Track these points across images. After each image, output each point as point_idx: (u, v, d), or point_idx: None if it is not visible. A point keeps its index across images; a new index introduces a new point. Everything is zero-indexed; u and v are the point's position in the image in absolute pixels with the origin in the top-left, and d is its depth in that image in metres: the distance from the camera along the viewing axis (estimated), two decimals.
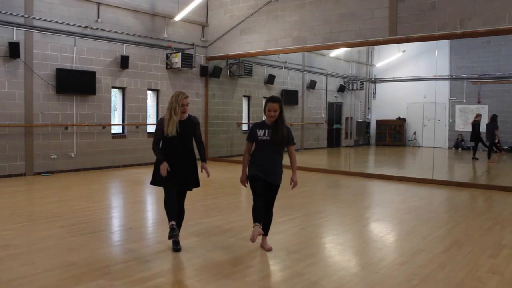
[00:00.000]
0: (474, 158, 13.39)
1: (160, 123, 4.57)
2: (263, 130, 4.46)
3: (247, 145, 4.60)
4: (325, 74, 16.94)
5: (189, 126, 4.58)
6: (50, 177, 9.69)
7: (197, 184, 4.69)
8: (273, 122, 4.44)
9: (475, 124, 13.26)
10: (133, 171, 10.92)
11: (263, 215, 4.42)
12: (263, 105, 4.62)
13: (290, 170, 4.61)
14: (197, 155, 4.73)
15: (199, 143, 4.72)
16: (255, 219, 4.36)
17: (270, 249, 4.58)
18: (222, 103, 14.00)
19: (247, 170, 4.56)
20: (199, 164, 4.70)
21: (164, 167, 4.48)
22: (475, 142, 13.37)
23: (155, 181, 4.63)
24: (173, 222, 4.42)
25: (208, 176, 4.68)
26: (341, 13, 10.60)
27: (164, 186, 4.57)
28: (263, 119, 4.59)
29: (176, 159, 4.53)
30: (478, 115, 13.40)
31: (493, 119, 13.11)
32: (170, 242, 4.60)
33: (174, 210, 4.50)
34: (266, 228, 4.62)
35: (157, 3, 11.98)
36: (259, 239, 4.56)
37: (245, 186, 4.60)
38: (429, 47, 12.73)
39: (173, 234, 4.36)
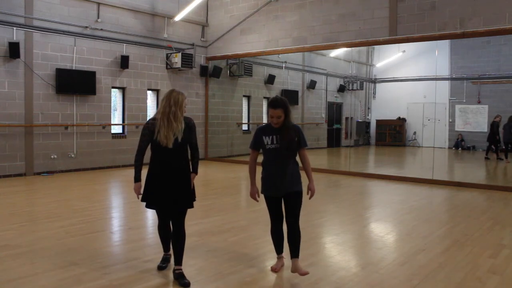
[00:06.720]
0: (486, 158, 13.48)
1: (148, 128, 3.70)
2: (270, 137, 3.85)
3: (252, 153, 3.98)
4: (325, 74, 16.94)
5: (186, 132, 3.75)
6: (50, 177, 9.69)
7: (189, 205, 3.83)
8: (279, 126, 3.86)
9: (494, 125, 13.29)
10: (133, 171, 10.88)
11: (283, 242, 4.05)
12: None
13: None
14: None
15: (195, 150, 3.88)
16: (276, 249, 4.10)
17: (306, 274, 3.77)
18: (222, 103, 13.99)
19: (255, 182, 4.00)
20: None
21: (138, 189, 3.81)
22: (490, 142, 13.45)
23: (146, 199, 3.83)
24: (169, 253, 4.11)
25: (192, 188, 3.85)
26: (341, 13, 10.60)
27: (156, 210, 3.91)
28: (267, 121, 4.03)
29: (169, 172, 3.73)
30: (497, 116, 13.44)
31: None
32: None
33: (168, 240, 4.04)
34: (295, 249, 3.87)
35: (157, 3, 11.97)
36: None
37: (257, 201, 4.03)
38: (429, 47, 12.74)
39: (163, 265, 4.05)
